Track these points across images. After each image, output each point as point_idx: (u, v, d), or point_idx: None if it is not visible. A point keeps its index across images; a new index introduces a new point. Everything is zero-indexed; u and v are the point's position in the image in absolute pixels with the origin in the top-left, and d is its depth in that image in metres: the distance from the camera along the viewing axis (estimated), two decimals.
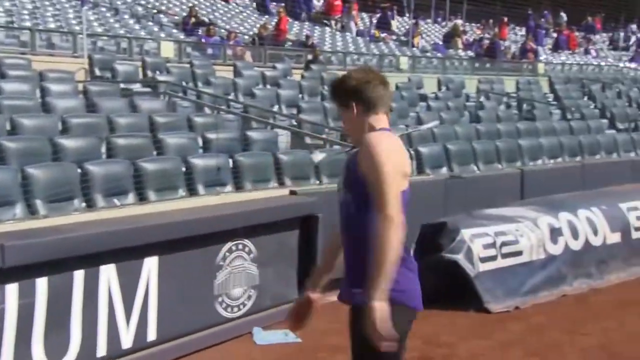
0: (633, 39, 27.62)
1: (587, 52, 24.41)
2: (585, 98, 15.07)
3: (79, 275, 4.11)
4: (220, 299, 5.06)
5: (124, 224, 4.56)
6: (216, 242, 5.03)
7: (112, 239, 4.30)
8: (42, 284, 3.93)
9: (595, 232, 6.57)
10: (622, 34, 27.49)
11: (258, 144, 7.76)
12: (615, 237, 6.71)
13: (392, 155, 2.63)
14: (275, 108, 10.20)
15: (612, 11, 28.25)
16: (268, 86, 11.24)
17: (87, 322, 4.16)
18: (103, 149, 6.77)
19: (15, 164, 5.87)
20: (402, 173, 2.66)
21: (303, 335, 5.10)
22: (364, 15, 21.69)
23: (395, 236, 2.50)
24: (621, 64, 23.13)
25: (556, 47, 23.76)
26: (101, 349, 4.26)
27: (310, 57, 14.42)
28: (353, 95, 2.70)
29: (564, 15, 26.02)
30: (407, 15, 21.32)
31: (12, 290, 3.81)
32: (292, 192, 5.97)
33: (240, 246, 5.20)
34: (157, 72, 10.88)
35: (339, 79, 2.86)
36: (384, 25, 20.29)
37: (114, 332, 4.32)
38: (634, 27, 28.59)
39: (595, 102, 14.38)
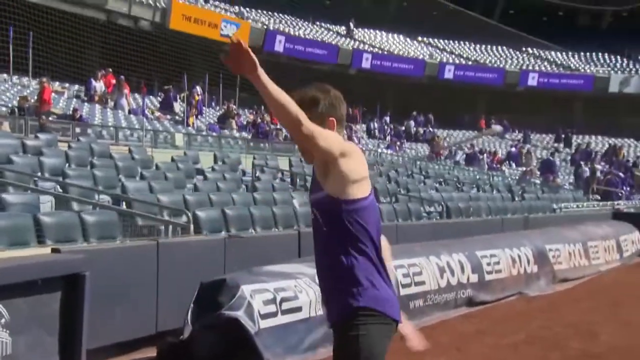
0: (387, 129, 30.18)
1: (349, 138, 26.08)
2: None
3: None
4: None
5: None
6: None
7: None
8: None
9: None
10: (377, 124, 29.93)
11: (16, 207, 6.93)
12: None
13: (341, 143, 2.68)
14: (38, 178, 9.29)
15: (369, 104, 30.77)
16: (29, 155, 10.27)
17: None
18: None
19: None
20: (357, 172, 2.67)
21: None
22: (137, 95, 21.32)
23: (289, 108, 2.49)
24: (379, 150, 24.95)
25: None
26: None
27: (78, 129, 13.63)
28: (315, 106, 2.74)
29: None
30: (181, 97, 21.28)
31: None
32: (55, 250, 5.31)
33: None
34: None
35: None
36: (167, 106, 20.10)
37: None
38: (387, 119, 31.27)
39: None
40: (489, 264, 8.73)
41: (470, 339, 6.67)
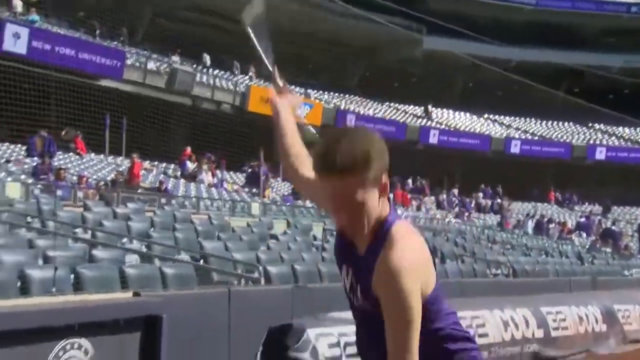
0: (456, 201, 29.92)
1: (418, 208, 26.01)
2: None
3: None
4: None
5: None
6: (48, 338, 4.47)
7: None
8: None
9: None
10: (445, 196, 29.75)
11: (105, 261, 7.27)
12: None
13: (419, 275, 1.95)
14: (125, 240, 9.72)
15: (436, 178, 30.74)
16: (119, 220, 10.77)
17: None
18: None
19: None
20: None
21: None
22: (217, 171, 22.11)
23: None
24: (447, 219, 24.74)
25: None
26: None
27: (164, 200, 14.22)
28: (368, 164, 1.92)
29: (396, 178, 27.90)
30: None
31: None
32: (136, 294, 5.53)
33: (76, 345, 4.64)
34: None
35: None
36: (254, 180, 20.62)
37: None
38: (455, 191, 31.03)
39: (427, 244, 15.00)
40: (554, 320, 8.46)
41: None
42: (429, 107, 35.51)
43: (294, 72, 31.10)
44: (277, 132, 2.32)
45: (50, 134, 17.67)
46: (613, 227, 26.95)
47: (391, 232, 1.97)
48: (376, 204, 1.97)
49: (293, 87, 31.47)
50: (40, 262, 6.93)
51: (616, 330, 9.54)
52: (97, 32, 23.89)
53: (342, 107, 31.85)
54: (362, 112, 32.65)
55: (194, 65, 27.19)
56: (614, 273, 16.44)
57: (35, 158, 16.26)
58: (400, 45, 34.02)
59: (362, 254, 2.04)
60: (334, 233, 10.28)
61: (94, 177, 16.68)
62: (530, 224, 27.18)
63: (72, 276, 6.39)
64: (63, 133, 19.26)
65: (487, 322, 7.49)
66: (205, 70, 27.95)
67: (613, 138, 37.32)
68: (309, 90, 31.71)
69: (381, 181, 1.95)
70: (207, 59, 28.64)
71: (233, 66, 29.42)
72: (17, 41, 18.85)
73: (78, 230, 9.50)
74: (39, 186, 13.57)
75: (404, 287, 1.87)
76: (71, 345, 4.58)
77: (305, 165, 2.25)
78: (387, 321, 1.90)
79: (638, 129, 37.91)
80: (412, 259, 1.93)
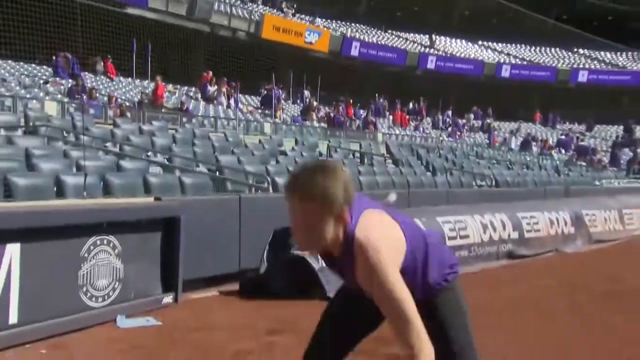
0: (449, 121, 29.65)
1: (416, 129, 25.87)
2: (415, 158, 15.78)
3: None
4: (84, 289, 4.62)
5: None
6: (80, 235, 4.63)
7: None
8: None
9: None
10: (440, 117, 29.46)
11: (131, 171, 7.37)
12: None
13: (392, 256, 1.95)
14: (150, 153, 9.78)
15: (432, 101, 30.38)
16: (144, 135, 10.80)
17: None
18: None
19: None
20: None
21: (162, 320, 4.77)
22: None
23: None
24: (440, 139, 24.65)
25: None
26: None
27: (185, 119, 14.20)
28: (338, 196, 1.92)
29: (397, 101, 27.57)
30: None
31: None
32: (157, 198, 5.65)
33: (105, 241, 4.81)
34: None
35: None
36: (267, 102, 20.40)
37: None
38: (449, 113, 30.72)
39: (421, 160, 15.08)
40: (528, 224, 8.63)
41: (507, 282, 6.63)
42: (433, 36, 34.66)
43: (306, 1, 30.32)
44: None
45: (73, 56, 17.48)
46: (585, 144, 26.80)
47: (356, 240, 1.94)
48: (329, 230, 1.95)
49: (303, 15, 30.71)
50: (74, 170, 7.04)
51: (583, 232, 9.71)
52: None
53: (348, 35, 31.15)
54: (366, 40, 31.95)
55: None
56: (586, 183, 16.51)
57: (70, 80, 16.16)
58: None
59: (339, 256, 2.04)
60: (338, 149, 10.33)
61: (122, 97, 16.63)
62: (515, 142, 27.09)
63: (101, 183, 6.52)
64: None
65: (468, 225, 7.64)
66: None
67: (595, 62, 36.59)
68: (318, 19, 30.96)
69: (340, 213, 1.93)
70: None
71: None
72: None
73: (108, 144, 9.58)
74: (73, 105, 13.56)
75: (387, 279, 1.88)
76: (100, 241, 4.75)
77: None
78: (382, 308, 1.93)
79: (618, 53, 37.12)
80: (384, 253, 1.92)
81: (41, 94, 14.25)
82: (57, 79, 16.41)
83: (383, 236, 1.95)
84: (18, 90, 13.99)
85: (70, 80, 15.97)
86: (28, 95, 13.52)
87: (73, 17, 19.22)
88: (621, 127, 31.13)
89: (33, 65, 17.73)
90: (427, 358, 1.86)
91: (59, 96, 14.52)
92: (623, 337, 4.58)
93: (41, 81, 15.91)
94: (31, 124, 10.03)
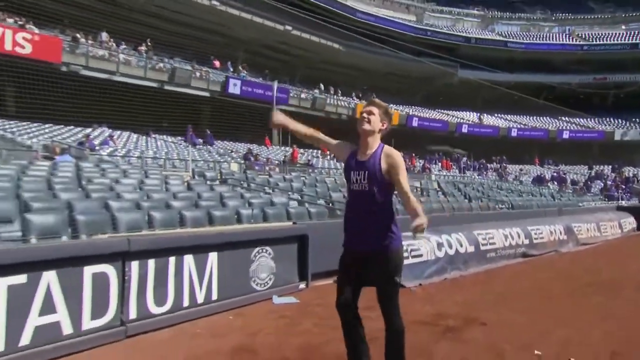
0: (477, 165, 27.80)
1: (457, 171, 24.63)
2: (456, 190, 14.92)
3: (171, 260, 3.88)
4: (253, 279, 4.72)
5: (196, 235, 4.35)
6: (250, 245, 4.75)
7: (190, 240, 4.09)
8: (151, 263, 3.70)
9: (461, 245, 6.24)
10: (471, 163, 27.75)
11: (278, 205, 7.42)
12: (471, 248, 6.39)
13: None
14: (290, 193, 9.71)
15: (467, 152, 28.77)
16: (286, 182, 10.79)
17: (177, 285, 3.90)
18: None
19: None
20: None
21: (299, 299, 4.72)
22: None
23: (414, 198, 2.28)
24: (473, 177, 23.22)
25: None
26: (185, 301, 3.97)
27: (310, 170, 14.20)
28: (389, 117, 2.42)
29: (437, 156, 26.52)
30: None
31: (135, 265, 3.61)
32: (294, 223, 5.69)
33: (264, 250, 4.90)
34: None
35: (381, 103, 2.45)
36: None
37: (192, 291, 4.03)
38: (478, 160, 28.84)
39: (460, 191, 14.24)
40: (535, 233, 7.86)
41: (521, 274, 6.03)
42: (480, 114, 33.45)
43: (388, 95, 30.01)
44: (295, 132, 2.47)
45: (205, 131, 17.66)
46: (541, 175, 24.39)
47: (386, 148, 2.38)
48: (379, 126, 2.37)
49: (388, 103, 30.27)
50: (247, 205, 7.24)
51: (573, 238, 8.81)
52: None
53: (409, 114, 30.55)
54: (422, 116, 31.17)
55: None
56: (573, 205, 14.82)
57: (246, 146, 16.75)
58: (445, 75, 32.15)
59: (366, 159, 2.36)
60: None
61: (274, 158, 17.16)
62: (526, 179, 25.01)
63: (262, 213, 6.64)
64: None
65: (494, 235, 7.04)
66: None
67: (573, 125, 33.74)
68: (391, 105, 30.60)
69: (383, 127, 2.39)
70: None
71: None
72: None
73: (265, 188, 9.63)
74: (246, 164, 14.15)
75: (401, 160, 2.33)
76: (262, 249, 4.83)
77: (322, 137, 2.51)
78: (398, 178, 2.28)
79: (588, 119, 34.20)
80: (401, 159, 2.35)
81: (228, 158, 15.04)
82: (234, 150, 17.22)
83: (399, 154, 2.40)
84: (217, 157, 14.88)
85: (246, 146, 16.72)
86: (221, 159, 14.31)
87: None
88: (592, 168, 28.07)
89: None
90: (413, 199, 2.22)
91: (239, 159, 15.25)
92: (603, 312, 4.13)
93: (221, 150, 16.71)
94: (223, 177, 10.55)
